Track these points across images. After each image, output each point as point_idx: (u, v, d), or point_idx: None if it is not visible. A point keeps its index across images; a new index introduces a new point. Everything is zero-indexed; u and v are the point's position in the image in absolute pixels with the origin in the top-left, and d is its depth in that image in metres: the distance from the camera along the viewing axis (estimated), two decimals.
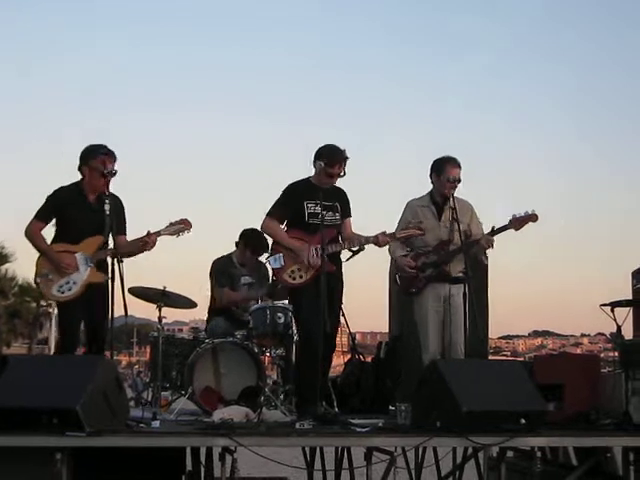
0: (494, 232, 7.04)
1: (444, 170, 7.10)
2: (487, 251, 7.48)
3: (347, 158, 6.62)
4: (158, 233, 6.71)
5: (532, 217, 6.94)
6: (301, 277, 6.60)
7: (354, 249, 6.74)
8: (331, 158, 6.58)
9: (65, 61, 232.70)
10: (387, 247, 7.25)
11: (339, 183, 6.81)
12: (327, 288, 6.46)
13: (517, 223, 6.94)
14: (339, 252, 6.72)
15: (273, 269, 6.73)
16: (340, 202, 6.75)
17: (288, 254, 6.63)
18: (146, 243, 6.65)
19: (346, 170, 6.63)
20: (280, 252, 6.65)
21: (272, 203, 6.70)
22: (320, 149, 6.66)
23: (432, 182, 7.21)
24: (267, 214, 6.66)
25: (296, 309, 6.80)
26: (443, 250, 7.08)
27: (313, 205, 6.62)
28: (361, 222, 7.01)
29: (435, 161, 7.21)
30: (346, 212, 6.79)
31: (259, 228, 6.88)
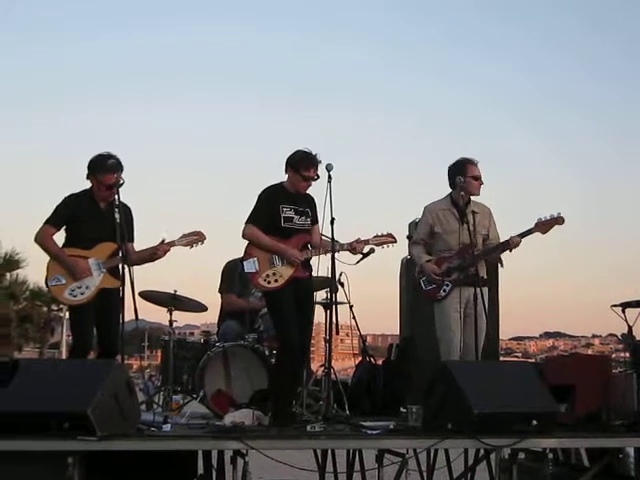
0: (521, 235, 7.00)
1: (467, 170, 7.13)
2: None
3: (320, 162, 6.64)
4: (172, 243, 6.76)
5: (558, 220, 6.91)
6: (276, 281, 6.56)
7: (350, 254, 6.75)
8: (305, 163, 6.61)
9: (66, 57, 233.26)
10: (409, 250, 7.27)
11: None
12: (300, 294, 6.57)
13: (543, 226, 6.93)
14: (310, 258, 6.72)
15: (248, 273, 6.70)
16: (310, 208, 6.78)
17: (263, 258, 6.61)
18: (156, 251, 6.70)
19: (319, 174, 6.64)
20: (255, 256, 6.62)
21: (250, 210, 6.68)
22: (293, 155, 6.68)
23: (455, 186, 7.17)
24: (247, 221, 6.63)
25: (273, 313, 6.76)
26: (468, 254, 7.02)
27: (288, 209, 6.64)
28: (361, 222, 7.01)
29: (455, 164, 7.22)
30: (315, 218, 6.80)
31: (241, 236, 6.76)
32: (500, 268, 8.36)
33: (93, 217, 6.66)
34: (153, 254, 6.73)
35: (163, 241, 6.77)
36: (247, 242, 6.70)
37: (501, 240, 7.20)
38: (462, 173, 7.11)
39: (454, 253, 7.12)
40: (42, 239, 6.63)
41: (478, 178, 7.15)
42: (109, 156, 6.63)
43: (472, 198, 7.23)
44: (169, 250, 6.78)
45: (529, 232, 6.98)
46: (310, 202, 6.79)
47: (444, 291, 7.07)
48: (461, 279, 7.02)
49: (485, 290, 6.94)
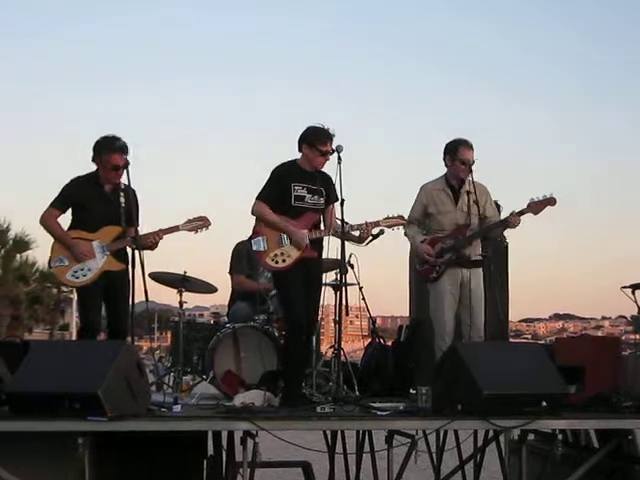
0: (519, 213, 6.95)
1: (457, 153, 7.07)
2: (506, 231, 7.49)
3: (334, 135, 6.59)
4: (177, 228, 6.73)
5: (550, 201, 6.87)
6: (284, 261, 6.51)
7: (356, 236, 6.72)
8: (321, 137, 6.54)
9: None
10: (404, 230, 7.24)
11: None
12: (308, 274, 6.52)
13: (535, 207, 6.89)
14: (321, 239, 6.66)
15: (256, 252, 6.66)
16: (326, 187, 6.69)
17: (271, 238, 6.55)
18: (148, 242, 6.63)
19: (334, 148, 6.59)
20: (263, 235, 6.56)
21: (261, 186, 6.61)
22: (306, 131, 6.61)
23: (446, 165, 7.18)
24: (257, 197, 6.57)
25: (281, 293, 6.75)
26: (461, 234, 7.05)
27: (300, 188, 6.57)
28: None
29: (448, 144, 7.17)
30: (331, 198, 6.70)
31: (250, 212, 6.69)
32: (512, 249, 8.44)
33: (98, 200, 6.66)
34: (145, 245, 6.59)
35: (160, 230, 6.72)
36: (255, 220, 6.67)
37: (500, 218, 7.21)
38: (453, 154, 7.10)
39: (447, 234, 7.13)
40: (46, 221, 6.65)
41: (466, 163, 7.04)
42: (116, 138, 6.63)
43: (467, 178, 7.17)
44: (161, 238, 6.72)
45: (522, 212, 6.93)
46: (326, 180, 6.67)
47: (437, 272, 7.08)
48: (454, 260, 7.03)
49: (479, 271, 6.98)
